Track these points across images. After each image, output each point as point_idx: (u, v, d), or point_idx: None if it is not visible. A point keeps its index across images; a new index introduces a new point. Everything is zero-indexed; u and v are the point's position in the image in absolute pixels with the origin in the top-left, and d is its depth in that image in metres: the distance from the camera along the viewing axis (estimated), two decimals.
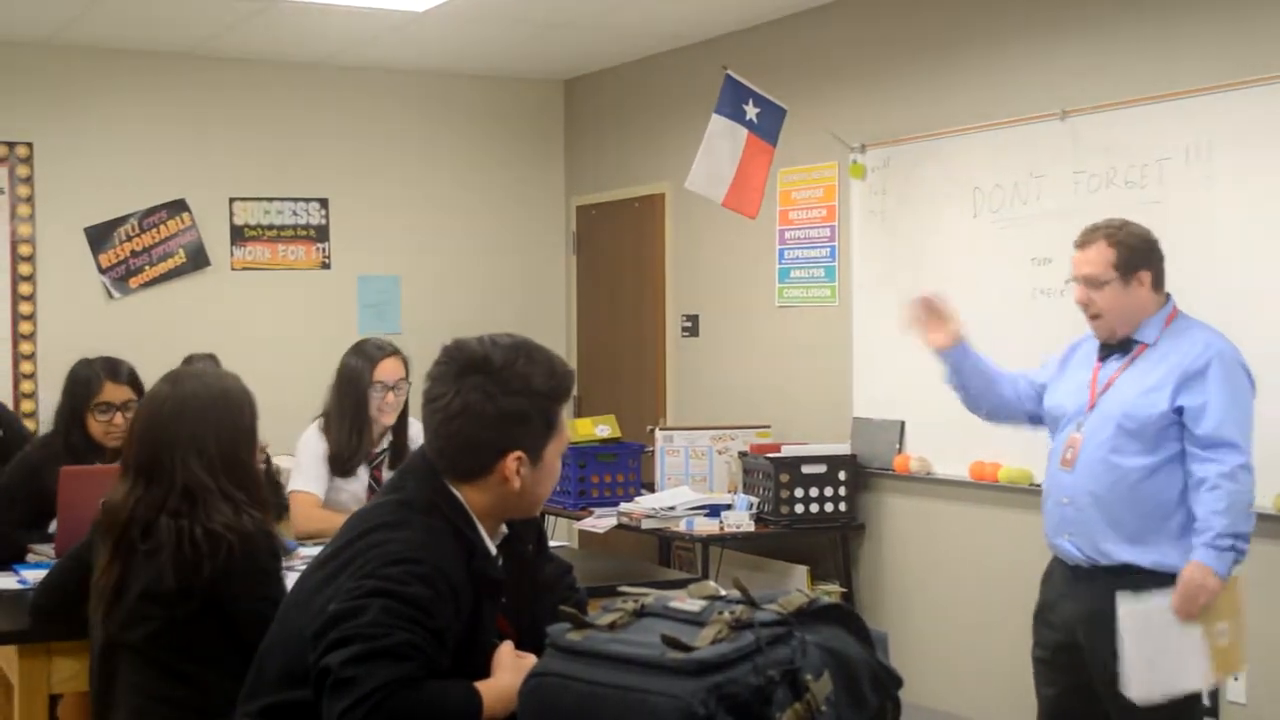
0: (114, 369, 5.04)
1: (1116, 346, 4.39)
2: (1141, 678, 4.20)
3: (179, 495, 3.35)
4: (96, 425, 4.96)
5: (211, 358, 6.55)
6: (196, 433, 3.44)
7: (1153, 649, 4.22)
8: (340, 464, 5.21)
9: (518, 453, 2.70)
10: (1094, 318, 4.37)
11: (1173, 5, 5.40)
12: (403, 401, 5.30)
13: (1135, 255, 4.31)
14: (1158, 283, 4.35)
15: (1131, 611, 4.26)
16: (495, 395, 2.67)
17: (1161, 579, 4.19)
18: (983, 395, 4.66)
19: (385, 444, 5.33)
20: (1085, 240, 4.40)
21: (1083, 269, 4.35)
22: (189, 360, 6.51)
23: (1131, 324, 4.35)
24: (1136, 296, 4.31)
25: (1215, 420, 4.15)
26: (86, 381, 5.00)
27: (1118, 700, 4.19)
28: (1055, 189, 5.73)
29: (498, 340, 2.76)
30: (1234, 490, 4.13)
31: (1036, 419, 4.63)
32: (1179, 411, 4.20)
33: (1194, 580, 4.15)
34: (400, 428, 5.34)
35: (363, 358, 5.27)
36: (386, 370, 5.25)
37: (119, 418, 4.91)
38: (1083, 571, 4.38)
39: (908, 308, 4.69)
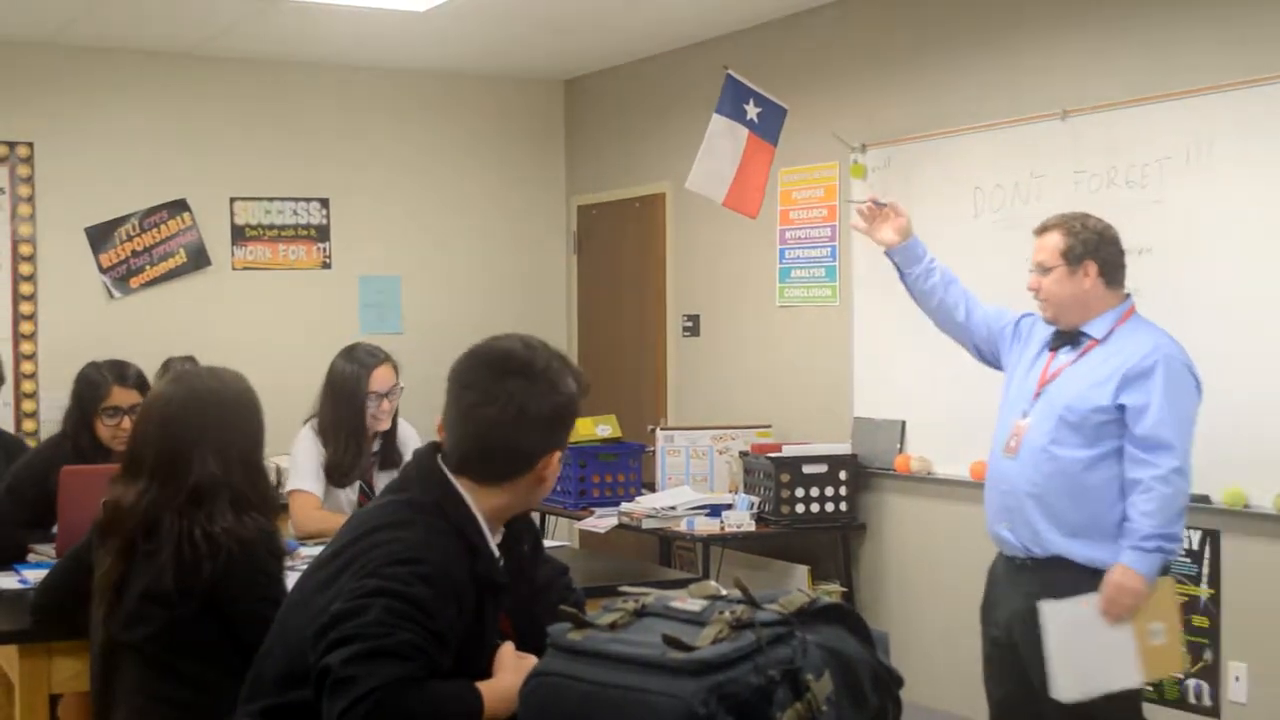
0: (121, 373, 5.05)
1: (1068, 339, 4.44)
2: (1067, 677, 4.23)
3: (188, 495, 3.34)
4: (104, 429, 4.96)
5: (191, 360, 6.54)
6: (221, 432, 3.44)
7: (1078, 648, 4.24)
8: (339, 475, 5.21)
9: (556, 453, 2.74)
10: (1042, 301, 4.46)
11: (1173, 5, 5.40)
12: (395, 406, 5.31)
13: (1084, 246, 4.38)
14: (1109, 278, 4.41)
15: (1055, 611, 4.29)
16: (540, 398, 2.71)
17: (1094, 575, 4.22)
18: (932, 294, 4.77)
19: (376, 447, 5.33)
20: (1042, 229, 4.51)
21: (1036, 255, 4.46)
22: (168, 364, 6.50)
23: (1076, 314, 4.41)
24: (1081, 286, 4.37)
25: (1153, 421, 4.19)
26: (94, 385, 5.01)
27: (1054, 701, 4.20)
28: (1056, 189, 5.73)
29: (529, 342, 2.79)
30: (1165, 493, 4.16)
31: (981, 356, 4.76)
32: (1121, 409, 4.24)
33: (1117, 582, 4.19)
34: (390, 430, 5.34)
35: (356, 364, 5.26)
36: (380, 379, 5.24)
37: (126, 421, 4.91)
38: (1019, 564, 4.43)
39: (856, 209, 4.86)
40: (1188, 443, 4.23)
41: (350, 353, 5.34)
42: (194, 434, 3.41)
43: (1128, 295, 4.44)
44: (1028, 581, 4.36)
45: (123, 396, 4.98)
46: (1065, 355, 4.43)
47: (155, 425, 3.46)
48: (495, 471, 2.72)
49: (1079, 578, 4.24)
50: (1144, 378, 4.23)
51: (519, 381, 2.70)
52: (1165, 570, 4.28)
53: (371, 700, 2.38)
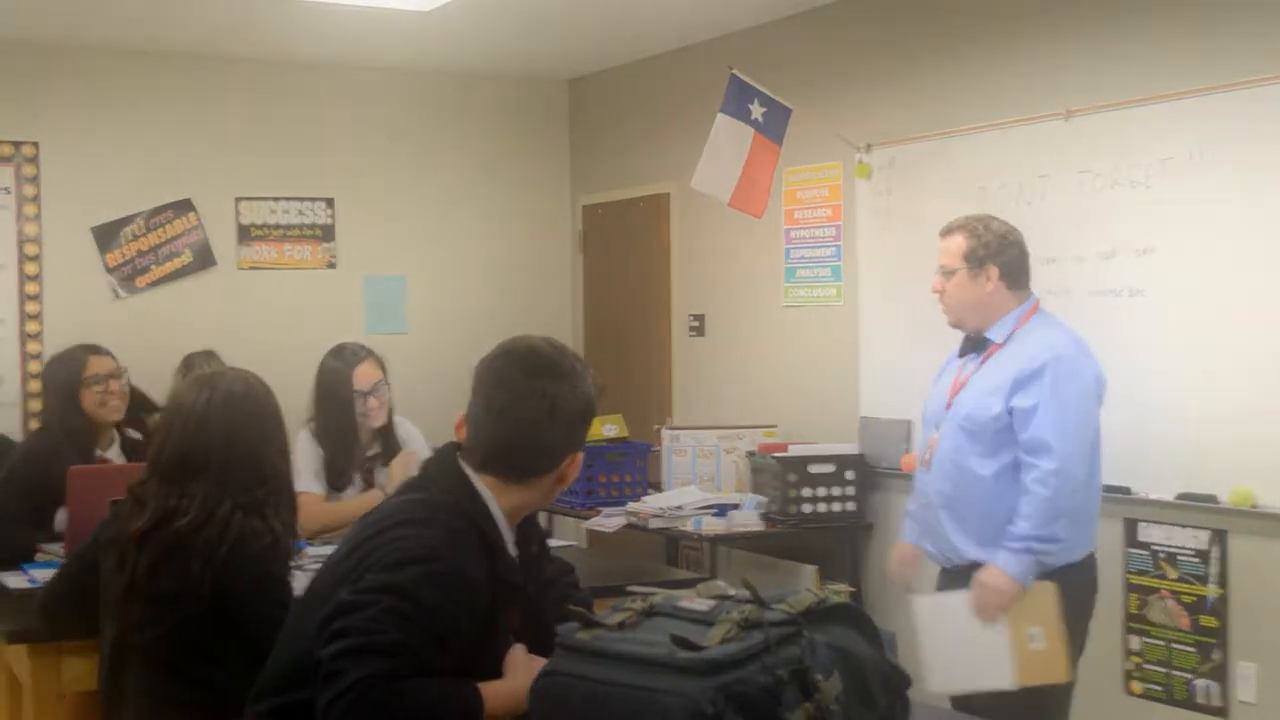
0: (89, 347, 5.12)
1: (973, 346, 4.43)
2: (936, 669, 4.26)
3: (212, 498, 3.34)
4: (92, 397, 4.99)
5: (212, 354, 6.55)
6: (273, 438, 3.47)
7: (948, 642, 4.27)
8: (335, 476, 5.21)
9: (579, 453, 2.78)
10: (944, 305, 4.46)
11: (1177, 5, 5.39)
12: (386, 403, 5.30)
13: (986, 249, 4.38)
14: (1011, 280, 4.39)
15: (925, 603, 4.34)
16: (569, 396, 2.74)
17: None
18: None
19: (376, 447, 5.32)
20: (947, 230, 4.52)
21: (940, 258, 4.46)
22: (189, 359, 6.52)
23: (978, 317, 4.41)
24: (983, 289, 4.37)
25: (1036, 423, 4.18)
26: (69, 363, 5.06)
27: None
28: (1060, 189, 5.72)
29: (552, 342, 2.83)
30: (1041, 495, 4.15)
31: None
32: (1011, 413, 4.22)
33: (983, 581, 4.21)
34: (389, 429, 5.34)
35: (340, 362, 5.28)
36: (362, 377, 5.25)
37: (113, 384, 4.97)
38: (945, 572, 4.45)
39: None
40: (1078, 443, 4.19)
41: (336, 352, 5.36)
42: (257, 434, 3.43)
43: (1030, 295, 4.43)
44: (952, 588, 4.39)
45: (100, 364, 5.06)
46: (971, 363, 4.44)
47: (195, 426, 3.42)
48: (521, 469, 2.74)
49: None
50: (1032, 380, 4.21)
51: (549, 380, 2.72)
52: (1079, 578, 4.28)
53: (353, 694, 2.39)
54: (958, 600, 4.26)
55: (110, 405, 5.01)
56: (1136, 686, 5.45)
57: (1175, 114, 5.30)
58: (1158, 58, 5.43)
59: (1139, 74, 5.47)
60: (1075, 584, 4.29)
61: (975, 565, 4.30)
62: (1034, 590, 4.19)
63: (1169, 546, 5.32)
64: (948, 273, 4.42)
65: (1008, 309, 4.38)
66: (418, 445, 5.37)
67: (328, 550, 2.92)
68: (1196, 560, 5.25)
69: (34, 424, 7.47)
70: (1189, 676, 5.28)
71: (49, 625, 3.74)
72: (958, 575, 4.38)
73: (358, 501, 5.08)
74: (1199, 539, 5.23)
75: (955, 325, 4.48)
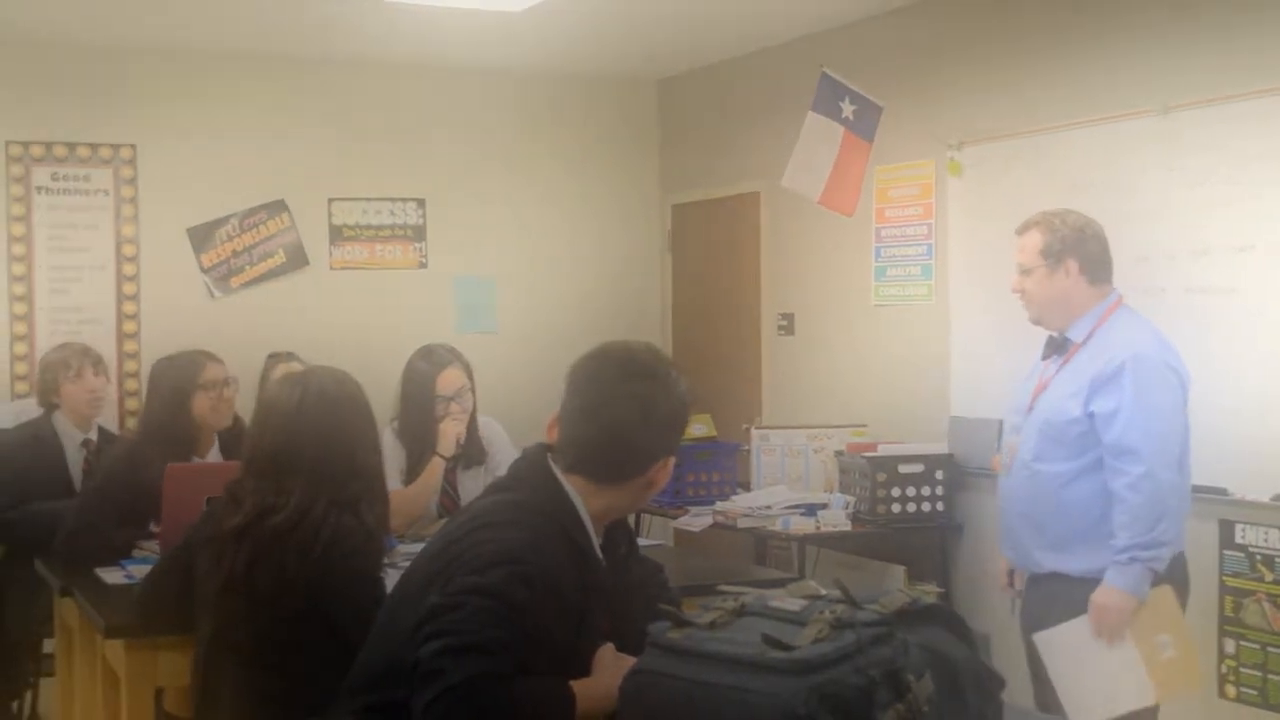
0: (206, 353, 5.16)
1: (1055, 348, 4.35)
2: (1077, 704, 4.11)
3: (307, 495, 3.37)
4: (206, 401, 5.01)
5: (292, 356, 6.61)
6: (365, 434, 3.50)
7: (1082, 673, 4.14)
8: (413, 478, 5.22)
9: (670, 458, 2.78)
10: (1025, 303, 4.38)
11: None
12: (468, 410, 5.30)
13: (1063, 243, 4.28)
14: (1092, 274, 4.29)
15: (1048, 639, 4.20)
16: (663, 400, 2.75)
17: (1092, 586, 4.12)
18: None
19: (456, 450, 5.32)
20: (1023, 228, 4.42)
21: (1017, 256, 4.37)
22: (272, 358, 6.59)
23: (1059, 314, 4.32)
24: (1062, 284, 4.28)
25: (1121, 427, 4.08)
26: (186, 366, 5.08)
27: None
28: (1154, 185, 5.64)
29: (647, 346, 2.85)
30: (1135, 502, 4.05)
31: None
32: (1092, 417, 4.13)
33: (1098, 603, 4.10)
34: (471, 429, 5.35)
35: (425, 365, 5.29)
36: (446, 382, 5.25)
37: (226, 392, 5.03)
38: (1032, 578, 4.38)
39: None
40: (1164, 444, 4.11)
41: (423, 354, 5.37)
42: (354, 433, 3.47)
43: (1113, 292, 4.34)
44: (1034, 595, 4.34)
45: (216, 371, 5.08)
46: (1053, 364, 4.35)
47: (301, 424, 3.45)
48: (612, 472, 2.75)
49: (1072, 589, 4.17)
50: (1111, 381, 4.11)
51: (645, 383, 2.73)
52: (1171, 580, 4.18)
53: (456, 694, 2.41)
54: (1079, 627, 4.15)
55: (221, 412, 5.06)
56: (1231, 690, 5.37)
57: (1274, 109, 5.22)
58: (1256, 52, 5.34)
59: (1237, 68, 5.39)
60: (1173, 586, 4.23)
61: (1055, 574, 4.23)
62: (1153, 598, 4.10)
63: (1266, 548, 5.24)
64: (1026, 271, 4.34)
65: (1089, 305, 4.29)
66: (502, 445, 5.38)
67: (419, 548, 2.94)
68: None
69: (130, 422, 7.57)
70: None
71: (145, 620, 3.79)
72: (1041, 582, 4.31)
73: (423, 479, 5.15)
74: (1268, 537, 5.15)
75: (1036, 322, 4.40)
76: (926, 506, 6.46)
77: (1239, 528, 5.32)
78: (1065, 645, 4.19)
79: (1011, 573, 4.58)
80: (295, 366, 5.79)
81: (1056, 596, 4.23)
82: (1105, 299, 4.31)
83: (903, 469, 6.44)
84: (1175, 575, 4.26)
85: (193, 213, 7.98)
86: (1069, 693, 4.17)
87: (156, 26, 7.37)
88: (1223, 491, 5.25)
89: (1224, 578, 5.36)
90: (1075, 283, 4.28)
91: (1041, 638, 4.22)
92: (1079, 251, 4.29)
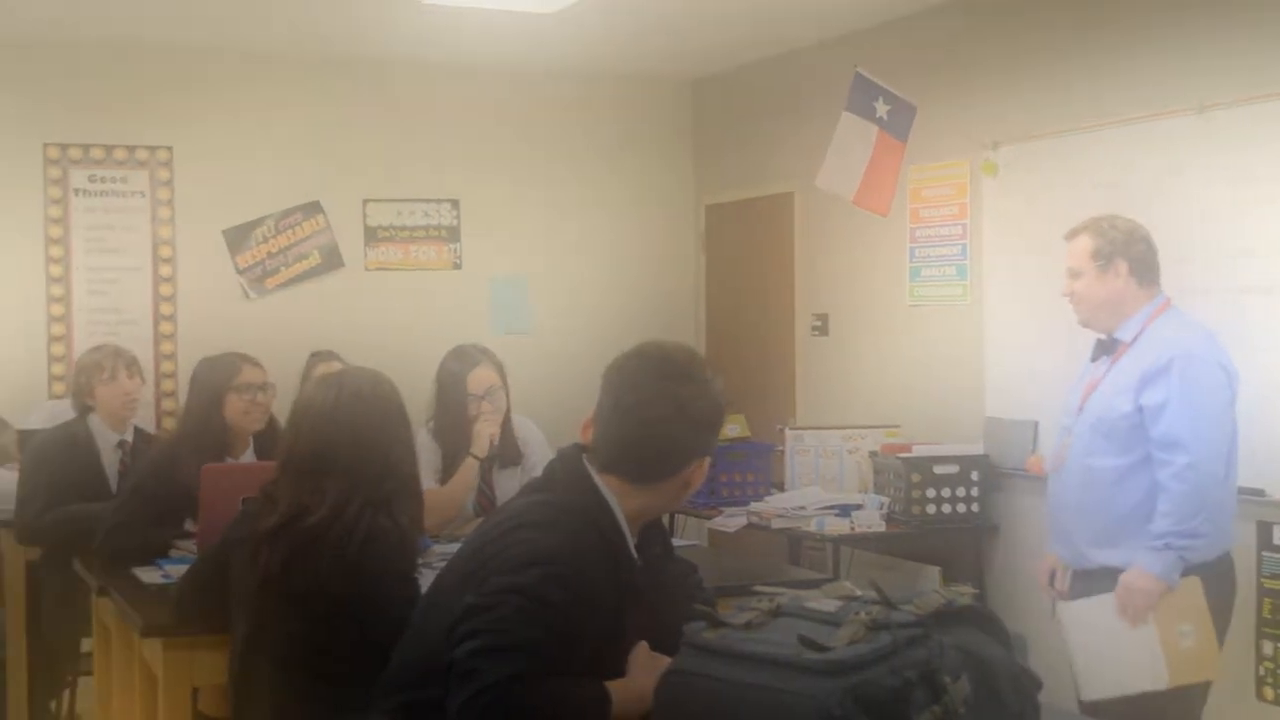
0: (244, 355, 5.16)
1: (1104, 349, 4.39)
2: (1090, 676, 4.19)
3: (342, 495, 3.38)
4: (238, 403, 5.02)
5: (333, 355, 6.63)
6: (400, 435, 3.51)
7: (1099, 648, 4.20)
8: (448, 478, 5.23)
9: (705, 459, 2.78)
10: (1075, 306, 4.43)
11: None
12: (500, 408, 5.31)
13: (1113, 246, 4.34)
14: (1141, 276, 4.35)
15: (1071, 610, 4.27)
16: (699, 401, 2.75)
17: None
18: None
19: (492, 449, 5.33)
20: (1071, 234, 4.48)
21: (1068, 261, 4.43)
22: (314, 357, 6.60)
23: (1110, 316, 4.37)
24: (1112, 286, 4.33)
25: (1168, 420, 4.14)
26: (223, 367, 5.09)
27: None
28: (1193, 186, 5.61)
29: (683, 347, 2.85)
30: (1179, 491, 4.11)
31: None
32: (1142, 411, 4.18)
33: (1126, 583, 4.16)
34: (506, 428, 5.35)
35: (458, 364, 5.30)
36: (477, 381, 5.26)
37: (260, 396, 5.03)
38: (1077, 575, 4.41)
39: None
40: (1211, 437, 4.16)
41: (455, 354, 5.38)
42: (389, 435, 3.48)
43: (1160, 294, 4.38)
44: (1085, 591, 4.35)
45: (253, 374, 5.09)
46: (1102, 365, 4.40)
47: (337, 425, 3.46)
48: (647, 472, 2.75)
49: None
50: (1160, 376, 4.18)
51: (679, 383, 2.73)
52: (1217, 579, 4.21)
53: (491, 694, 2.42)
54: (1104, 604, 4.21)
55: (253, 416, 5.07)
56: (1269, 693, 5.33)
57: None
58: None
59: (1274, 66, 5.35)
60: (1214, 582, 4.24)
61: (1105, 569, 4.25)
62: (1181, 587, 4.14)
63: None
64: (1076, 274, 4.41)
65: (1138, 307, 4.35)
66: (538, 445, 5.39)
67: (455, 548, 2.94)
68: None
69: (167, 422, 7.61)
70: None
71: (181, 620, 3.80)
72: (1089, 577, 4.33)
73: (458, 479, 5.16)
74: None
75: (1085, 325, 4.43)
76: (961, 508, 6.45)
77: (1277, 529, 5.29)
78: (1088, 619, 4.26)
79: (1053, 573, 4.59)
80: (336, 366, 5.80)
81: (1110, 589, 4.24)
82: (1153, 300, 4.37)
83: (937, 470, 6.42)
84: (1222, 575, 4.29)
85: (228, 214, 8.02)
86: (1084, 665, 4.23)
87: (193, 29, 7.41)
88: (1260, 493, 5.22)
89: (1262, 579, 5.32)
90: (1125, 284, 4.34)
91: (1065, 608, 4.27)
92: (1128, 253, 4.35)
